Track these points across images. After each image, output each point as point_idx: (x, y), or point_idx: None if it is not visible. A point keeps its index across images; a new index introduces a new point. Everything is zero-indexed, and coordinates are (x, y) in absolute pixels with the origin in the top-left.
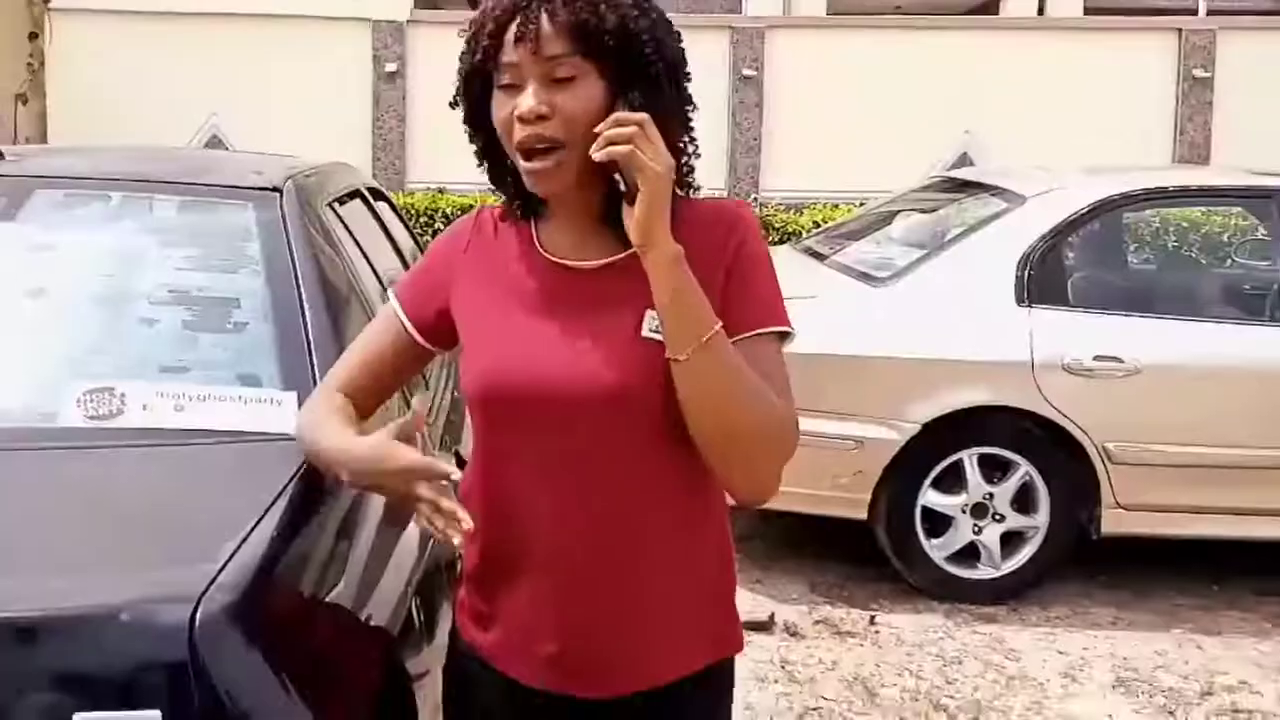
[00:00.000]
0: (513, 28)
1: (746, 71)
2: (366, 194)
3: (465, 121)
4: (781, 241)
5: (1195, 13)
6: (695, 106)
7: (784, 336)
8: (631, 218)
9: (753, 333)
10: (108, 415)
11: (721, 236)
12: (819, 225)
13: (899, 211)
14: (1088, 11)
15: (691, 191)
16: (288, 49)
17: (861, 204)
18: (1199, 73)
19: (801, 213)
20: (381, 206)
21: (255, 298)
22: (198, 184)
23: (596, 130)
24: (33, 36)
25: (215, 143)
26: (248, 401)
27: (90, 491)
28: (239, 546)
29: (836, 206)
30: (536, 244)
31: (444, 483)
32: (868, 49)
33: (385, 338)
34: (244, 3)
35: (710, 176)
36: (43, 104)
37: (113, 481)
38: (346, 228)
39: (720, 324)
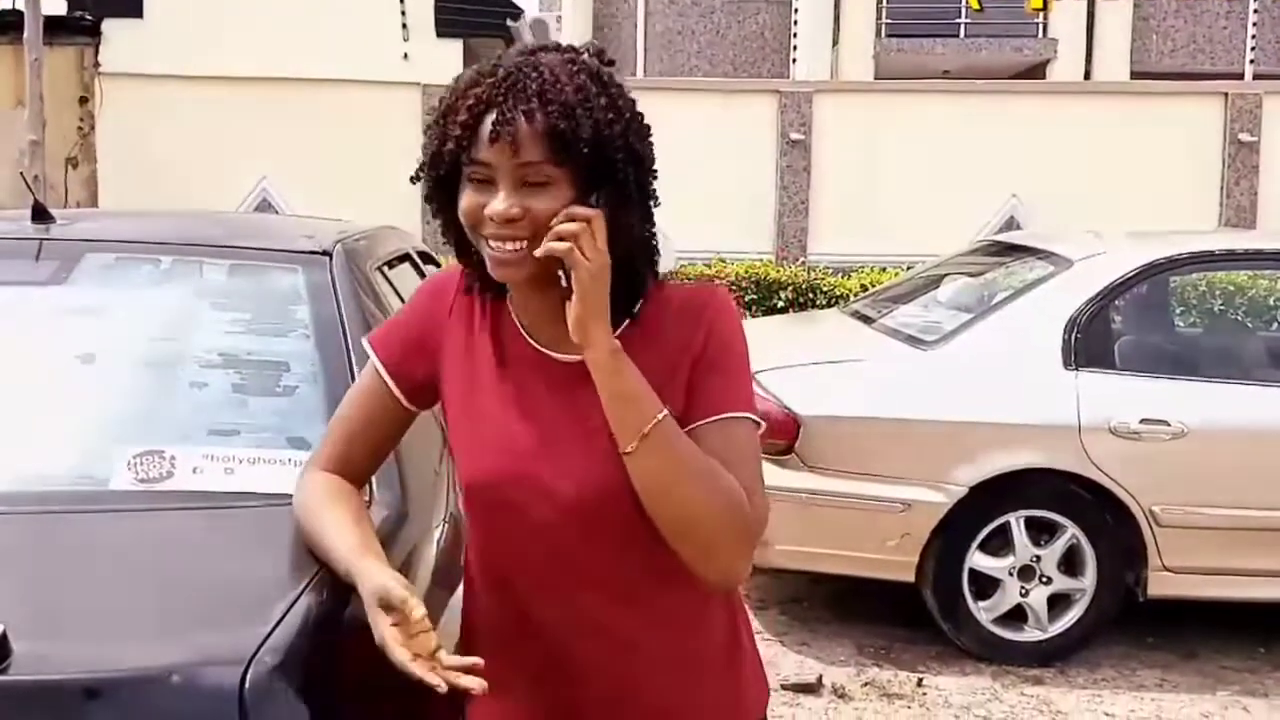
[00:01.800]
0: (488, 123)
1: (794, 135)
2: (416, 257)
3: (427, 199)
4: (829, 305)
5: (1241, 76)
6: (658, 201)
7: (756, 425)
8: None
9: (716, 417)
10: (158, 478)
11: (691, 324)
12: (866, 289)
13: (946, 275)
14: (1134, 75)
15: (658, 278)
16: (338, 113)
17: (909, 267)
18: (1245, 136)
19: (849, 276)
20: (431, 270)
21: (304, 361)
22: (248, 247)
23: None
24: (83, 100)
25: (265, 206)
26: (297, 464)
27: (141, 554)
28: (289, 609)
29: (884, 270)
30: (519, 326)
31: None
32: (915, 113)
33: (372, 404)
34: (294, 67)
35: (758, 240)
36: (93, 167)
37: (163, 544)
38: (396, 291)
39: (664, 413)
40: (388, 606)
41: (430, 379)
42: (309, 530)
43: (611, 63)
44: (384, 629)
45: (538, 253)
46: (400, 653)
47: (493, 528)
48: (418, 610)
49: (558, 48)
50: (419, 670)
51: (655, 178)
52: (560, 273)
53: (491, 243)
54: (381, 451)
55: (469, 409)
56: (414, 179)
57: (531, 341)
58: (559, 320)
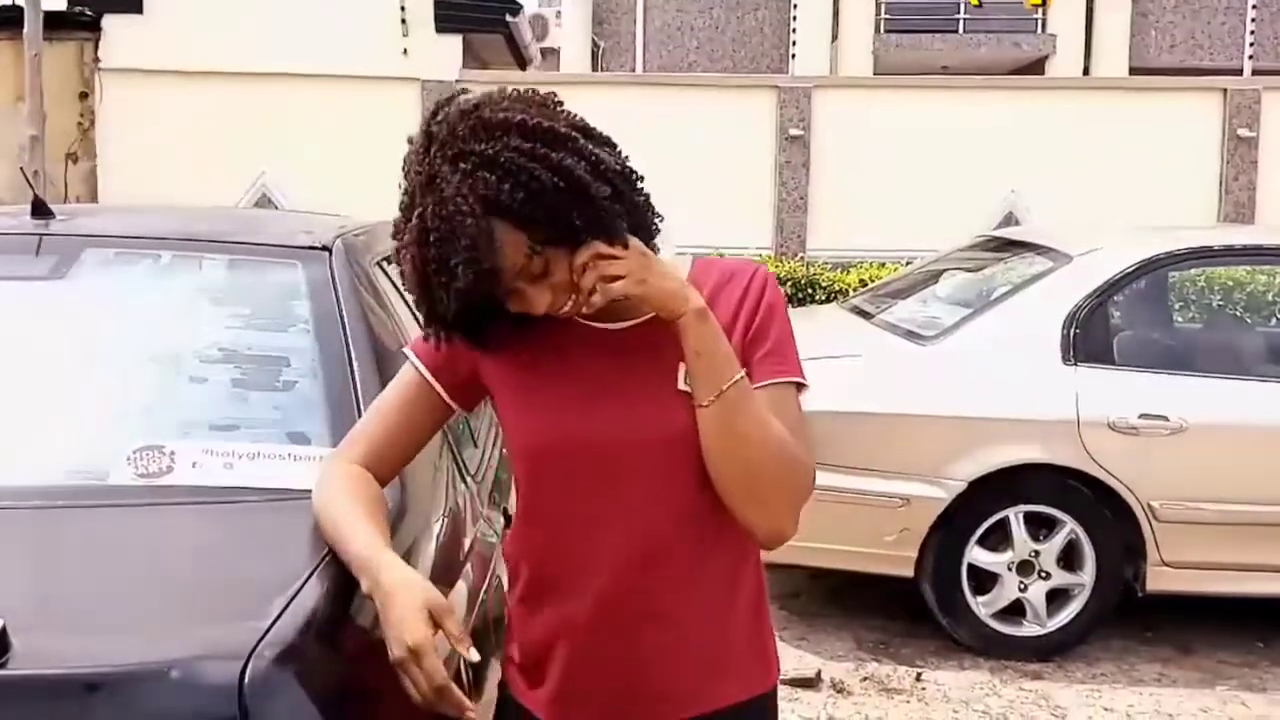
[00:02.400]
0: (468, 275)
1: (793, 131)
2: None
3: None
4: (828, 300)
5: (1240, 72)
6: (640, 176)
7: (800, 387)
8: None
9: (768, 382)
10: (158, 473)
11: (739, 295)
12: (865, 284)
13: (945, 270)
14: (1133, 72)
15: (656, 229)
16: (337, 108)
17: (908, 263)
18: (1244, 132)
19: (848, 271)
20: None
21: (304, 356)
22: (247, 243)
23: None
24: (83, 96)
25: (264, 201)
26: (297, 459)
27: (140, 549)
28: (289, 604)
29: (883, 265)
30: None
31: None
32: (914, 109)
33: (412, 403)
34: (293, 62)
35: (756, 235)
36: (93, 163)
37: (163, 539)
38: (395, 286)
39: (742, 373)
40: (434, 617)
41: (475, 377)
42: (324, 515)
43: (528, 93)
44: (424, 635)
45: (597, 304)
46: (439, 666)
47: (558, 487)
48: (461, 637)
49: (464, 111)
50: (453, 693)
51: (614, 174)
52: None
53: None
54: (411, 453)
55: (530, 387)
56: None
57: (582, 320)
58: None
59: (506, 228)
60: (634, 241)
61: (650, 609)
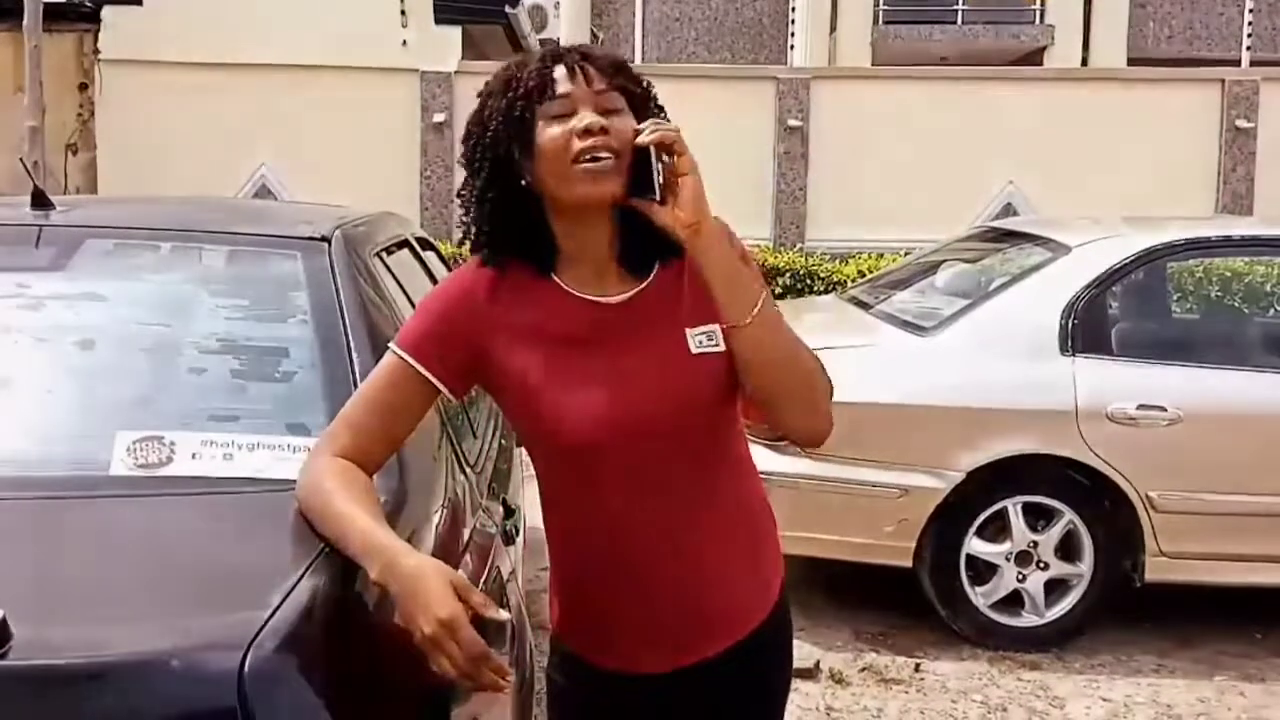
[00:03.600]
0: (560, 69)
1: (792, 122)
2: (414, 244)
3: (484, 188)
4: (827, 291)
5: (1238, 63)
6: None
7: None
8: (665, 213)
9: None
10: (157, 464)
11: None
12: (864, 275)
13: (943, 261)
14: (1131, 63)
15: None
16: (336, 100)
17: (906, 254)
18: (1242, 123)
19: (846, 262)
20: (429, 256)
21: (303, 347)
22: (247, 234)
23: (638, 129)
24: (83, 87)
25: (264, 193)
26: (296, 450)
27: (140, 539)
28: (288, 593)
29: (881, 256)
30: (564, 288)
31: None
32: (913, 100)
33: (400, 394)
34: (293, 54)
35: (755, 226)
36: (92, 154)
37: (162, 529)
38: (395, 277)
39: (767, 290)
40: (459, 593)
41: (468, 365)
42: (317, 506)
43: None
44: (457, 608)
45: (643, 139)
46: (476, 635)
47: (584, 466)
48: (488, 604)
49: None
50: (494, 659)
51: None
52: (658, 166)
53: (584, 159)
54: (398, 443)
55: (543, 376)
56: (473, 160)
57: (582, 294)
58: (591, 271)
59: (610, 60)
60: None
61: (681, 556)
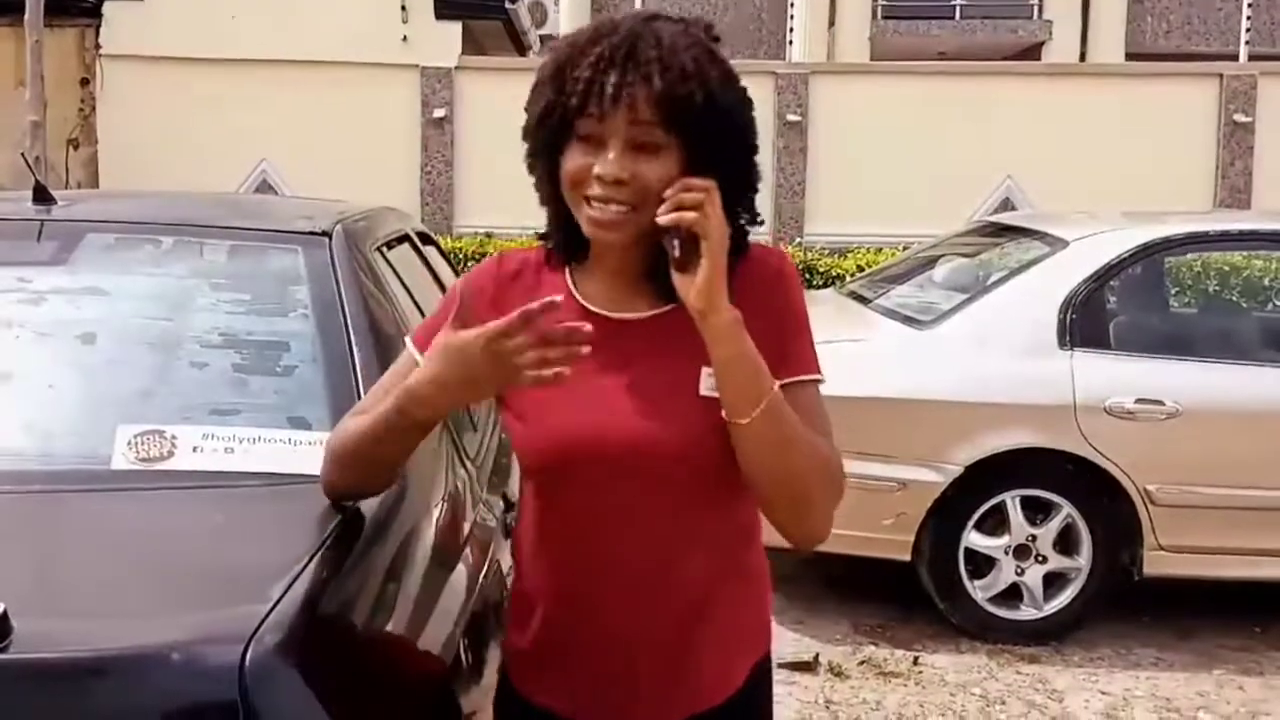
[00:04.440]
0: (609, 84)
1: (791, 117)
2: (415, 238)
3: (531, 160)
4: (825, 285)
5: (1236, 58)
6: (759, 177)
7: (818, 382)
8: (684, 283)
9: (793, 379)
10: (159, 458)
11: (766, 290)
12: (863, 269)
13: (942, 256)
14: (1129, 57)
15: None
16: (337, 95)
17: (905, 248)
18: (1240, 117)
19: (845, 257)
20: (430, 251)
21: (304, 341)
22: (248, 228)
23: (664, 195)
24: (84, 82)
25: (265, 188)
26: (297, 444)
27: (141, 533)
28: (289, 587)
29: (880, 250)
30: (574, 294)
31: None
32: (911, 94)
33: None
34: (294, 49)
35: None
36: (93, 149)
37: (163, 523)
38: (395, 272)
39: (778, 386)
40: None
41: None
42: (348, 438)
43: (718, 38)
44: (482, 328)
45: (661, 220)
46: (514, 320)
47: (568, 487)
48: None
49: (669, 18)
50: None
51: (756, 152)
52: (674, 241)
53: (594, 204)
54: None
55: (547, 390)
56: (529, 137)
57: (587, 304)
58: (616, 283)
59: (665, 88)
60: (727, 228)
61: (656, 606)
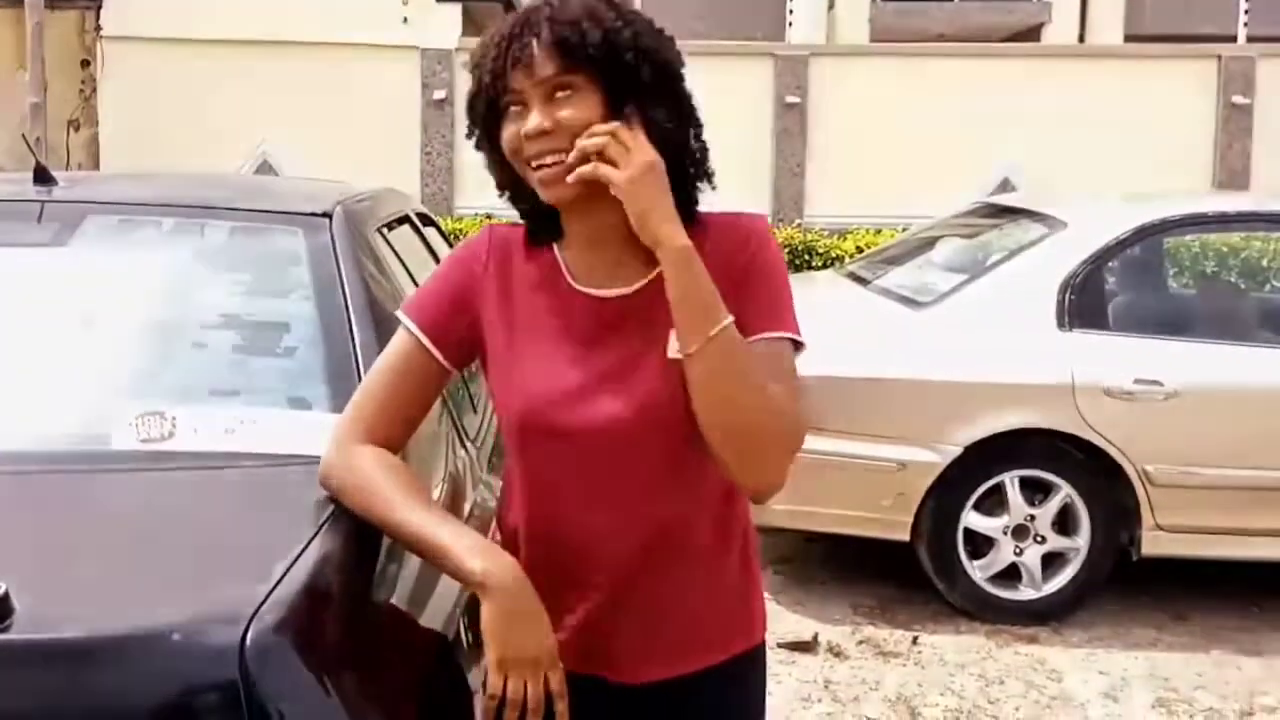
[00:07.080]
0: (511, 52)
1: (790, 99)
2: (415, 219)
3: (478, 148)
4: (825, 266)
5: (1234, 39)
6: (696, 110)
7: (797, 346)
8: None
9: (759, 336)
10: (160, 438)
11: (734, 247)
12: (862, 250)
13: (941, 236)
14: (1128, 39)
15: (709, 183)
16: (337, 76)
17: (904, 229)
18: (1238, 99)
19: (844, 238)
20: (430, 232)
21: (305, 322)
22: (249, 209)
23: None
24: (85, 64)
25: (265, 169)
26: (298, 425)
27: (142, 513)
28: (290, 567)
29: (879, 231)
30: (564, 271)
31: None
32: (910, 76)
33: (411, 369)
34: (294, 31)
35: (754, 202)
36: (94, 130)
37: (164, 503)
38: (395, 253)
39: (730, 319)
40: None
41: (468, 337)
42: (373, 503)
43: None
44: (554, 643)
45: (569, 178)
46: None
47: (545, 458)
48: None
49: None
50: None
51: (682, 81)
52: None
53: (533, 164)
54: (417, 419)
55: (517, 353)
56: (469, 135)
57: (571, 280)
58: (602, 252)
59: (553, 37)
60: (656, 159)
61: (640, 568)
